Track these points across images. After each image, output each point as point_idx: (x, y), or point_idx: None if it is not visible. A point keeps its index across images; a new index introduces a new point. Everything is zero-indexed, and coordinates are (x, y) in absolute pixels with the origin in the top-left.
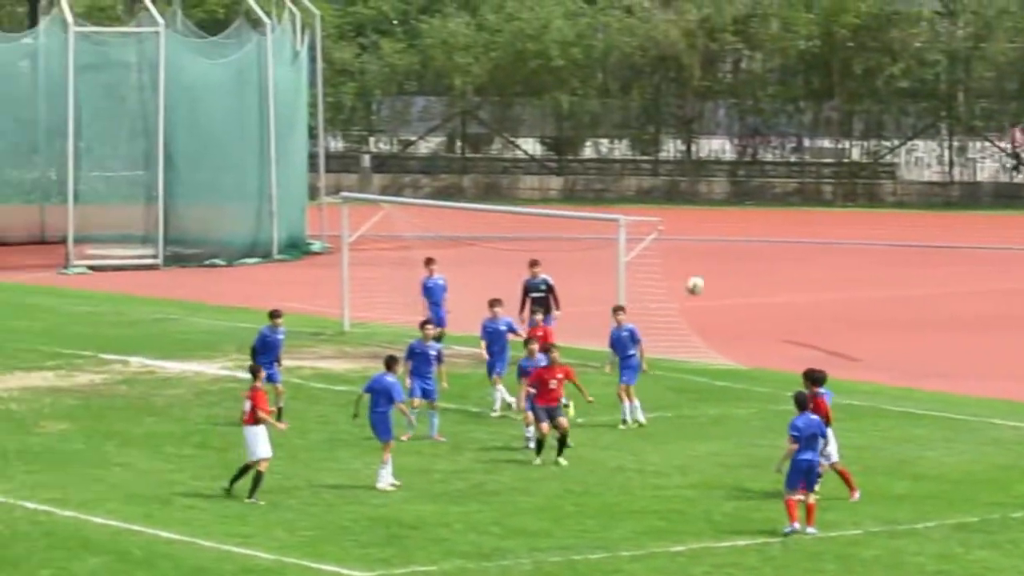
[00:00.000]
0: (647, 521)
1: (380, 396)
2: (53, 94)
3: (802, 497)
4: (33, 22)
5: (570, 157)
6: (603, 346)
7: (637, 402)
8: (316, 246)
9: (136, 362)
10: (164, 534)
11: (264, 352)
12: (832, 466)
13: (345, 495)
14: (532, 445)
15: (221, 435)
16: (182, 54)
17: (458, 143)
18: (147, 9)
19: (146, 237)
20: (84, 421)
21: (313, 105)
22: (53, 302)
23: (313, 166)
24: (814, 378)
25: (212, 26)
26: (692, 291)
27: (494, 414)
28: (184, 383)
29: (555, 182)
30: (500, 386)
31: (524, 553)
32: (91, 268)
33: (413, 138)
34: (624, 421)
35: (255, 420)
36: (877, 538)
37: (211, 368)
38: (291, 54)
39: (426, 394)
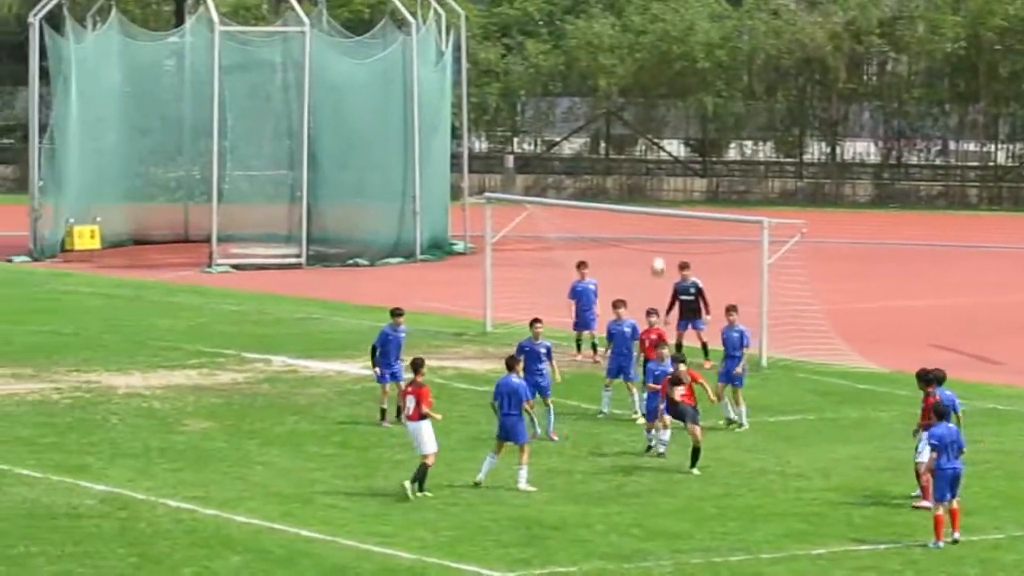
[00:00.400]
0: (788, 524)
1: (509, 399)
2: (198, 93)
3: (946, 506)
4: (179, 21)
5: (714, 159)
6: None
7: (743, 407)
8: (459, 246)
9: (278, 361)
10: (305, 532)
11: (385, 350)
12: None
13: (486, 495)
14: (662, 450)
15: (362, 434)
16: (327, 54)
17: (602, 144)
18: (293, 9)
19: (289, 236)
20: (226, 420)
21: (457, 105)
22: (197, 301)
23: (457, 166)
24: (927, 379)
25: (357, 26)
26: (656, 272)
27: (601, 416)
28: (326, 382)
29: (699, 184)
30: (634, 390)
31: (665, 555)
32: (234, 267)
33: (557, 139)
34: (730, 421)
35: (420, 416)
36: (1019, 542)
37: (353, 367)
38: (436, 54)
39: (541, 390)
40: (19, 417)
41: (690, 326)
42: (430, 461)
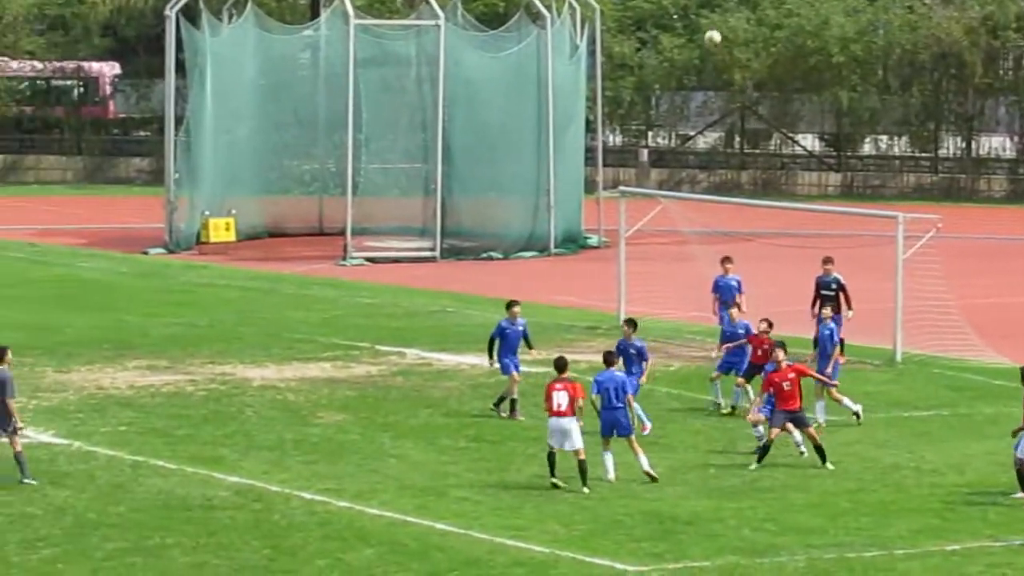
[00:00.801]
0: (922, 519)
1: (616, 392)
2: (333, 86)
3: None
4: (314, 14)
5: (848, 153)
6: (882, 343)
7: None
8: (593, 240)
9: (412, 354)
10: (438, 526)
11: (503, 344)
12: None
13: (619, 489)
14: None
15: (496, 428)
16: (461, 48)
17: (736, 138)
18: (427, 2)
19: (424, 230)
20: (360, 412)
21: (592, 99)
22: (331, 293)
23: (591, 160)
24: None
25: (492, 19)
26: (712, 42)
27: (716, 408)
28: (459, 376)
29: (833, 178)
30: (748, 387)
31: (798, 549)
32: (369, 260)
33: (691, 133)
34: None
35: (573, 412)
36: None
37: (487, 361)
38: (570, 48)
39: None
40: (154, 409)
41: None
42: (583, 455)
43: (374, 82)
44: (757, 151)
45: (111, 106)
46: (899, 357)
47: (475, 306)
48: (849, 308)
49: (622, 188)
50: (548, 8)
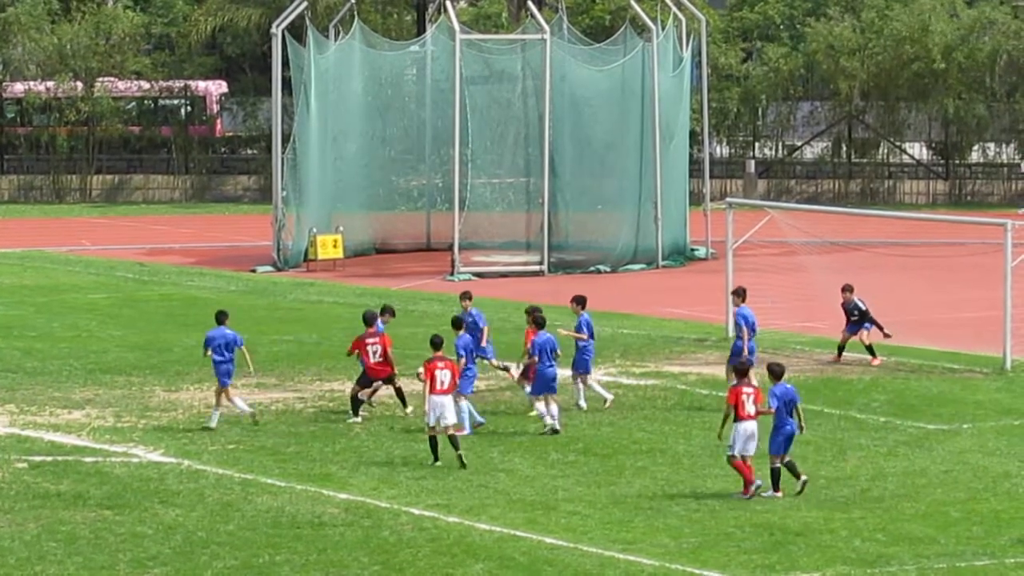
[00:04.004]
0: None
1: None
2: (439, 102)
3: None
4: (420, 30)
5: (956, 161)
6: (992, 351)
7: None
8: (700, 252)
9: (519, 368)
10: (547, 540)
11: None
12: None
13: (729, 501)
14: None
15: (605, 441)
16: (567, 61)
17: (843, 148)
18: (533, 17)
19: (530, 244)
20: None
21: (698, 111)
22: (439, 309)
23: (698, 172)
24: None
25: (598, 33)
26: None
27: None
28: (567, 390)
29: (940, 187)
30: None
31: (909, 560)
32: (476, 275)
33: (798, 143)
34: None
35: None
36: None
37: (595, 374)
38: (675, 60)
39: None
40: (263, 426)
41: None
42: (455, 431)
43: (480, 97)
44: (864, 160)
45: (218, 125)
46: (1009, 365)
47: None
48: (884, 334)
49: (729, 199)
50: (653, 20)
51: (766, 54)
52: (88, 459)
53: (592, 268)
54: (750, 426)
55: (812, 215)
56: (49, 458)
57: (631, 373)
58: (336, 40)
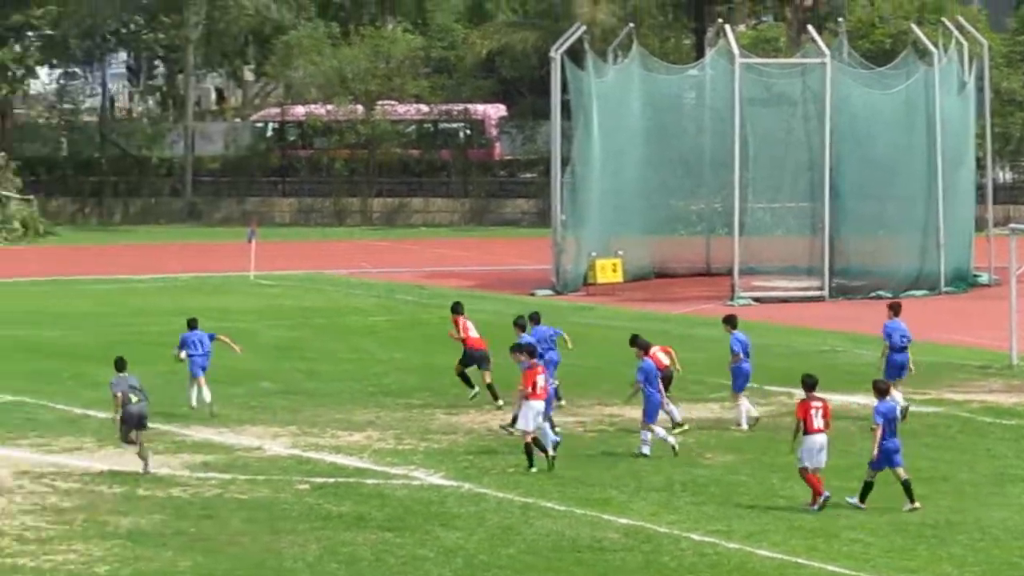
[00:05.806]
0: None
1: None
2: (718, 126)
3: None
4: (699, 54)
5: None
6: None
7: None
8: (983, 278)
9: (800, 394)
10: (829, 567)
11: None
12: None
13: (1013, 530)
14: None
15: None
16: (848, 85)
17: None
18: (813, 41)
19: (811, 269)
20: (749, 453)
21: (981, 136)
22: (718, 334)
23: (981, 197)
24: None
25: (878, 56)
26: None
27: None
28: (846, 415)
29: None
30: None
31: None
32: (756, 300)
33: None
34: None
35: None
36: None
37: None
38: (958, 84)
39: None
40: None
41: None
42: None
43: (760, 121)
44: None
45: (497, 148)
46: None
47: (865, 345)
48: None
49: (1013, 225)
50: (936, 45)
51: None
52: (369, 481)
53: (873, 293)
54: (820, 439)
55: None
56: (331, 480)
57: (913, 400)
58: (615, 63)
